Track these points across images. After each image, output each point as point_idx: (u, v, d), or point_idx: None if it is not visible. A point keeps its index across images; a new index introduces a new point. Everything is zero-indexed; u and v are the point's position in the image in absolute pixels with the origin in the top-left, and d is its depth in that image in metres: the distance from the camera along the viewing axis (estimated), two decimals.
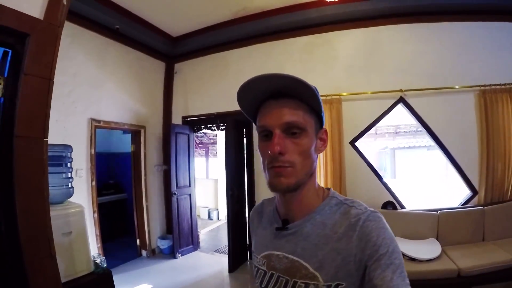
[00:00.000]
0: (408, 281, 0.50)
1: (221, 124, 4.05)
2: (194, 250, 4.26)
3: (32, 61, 1.31)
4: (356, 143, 3.42)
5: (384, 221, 0.57)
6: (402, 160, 8.33)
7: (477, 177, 3.28)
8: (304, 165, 0.58)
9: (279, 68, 3.63)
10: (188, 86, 4.34)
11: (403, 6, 3.17)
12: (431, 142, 3.42)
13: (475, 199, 3.32)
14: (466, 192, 3.43)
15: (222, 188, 6.50)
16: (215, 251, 4.35)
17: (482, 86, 3.06)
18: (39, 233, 1.34)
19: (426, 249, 2.83)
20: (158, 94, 4.39)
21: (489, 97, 3.08)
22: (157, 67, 4.38)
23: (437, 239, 3.08)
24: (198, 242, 4.40)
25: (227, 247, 4.03)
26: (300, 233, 0.61)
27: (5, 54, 1.31)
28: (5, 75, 1.29)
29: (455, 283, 2.58)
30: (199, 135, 7.64)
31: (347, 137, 3.39)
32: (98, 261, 2.01)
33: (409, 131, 8.12)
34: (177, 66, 4.46)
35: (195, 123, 4.31)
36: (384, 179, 3.50)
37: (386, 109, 3.31)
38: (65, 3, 1.43)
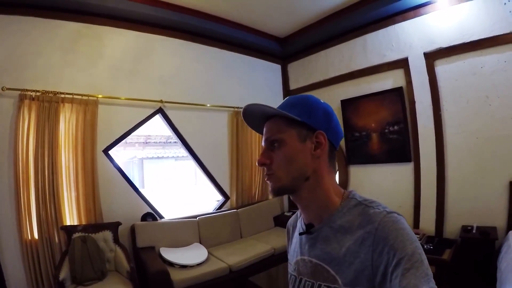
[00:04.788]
0: (433, 285, 0.47)
1: None
2: None
3: None
4: (110, 152, 2.94)
5: (403, 221, 0.54)
6: (150, 170, 8.36)
7: (228, 184, 3.67)
8: (288, 170, 0.61)
9: (35, 51, 2.61)
10: None
11: (182, 22, 3.25)
12: (180, 153, 3.59)
13: (228, 203, 3.67)
14: (218, 198, 3.73)
15: None
16: None
17: (236, 108, 3.68)
18: None
19: (194, 255, 2.78)
20: None
21: (240, 117, 3.63)
22: None
23: (200, 243, 3.09)
24: None
25: None
26: (320, 237, 0.62)
27: None
28: None
29: (230, 279, 2.67)
30: None
31: (101, 144, 2.87)
32: None
33: (159, 142, 8.25)
34: None
35: None
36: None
37: (144, 117, 3.14)
38: None
